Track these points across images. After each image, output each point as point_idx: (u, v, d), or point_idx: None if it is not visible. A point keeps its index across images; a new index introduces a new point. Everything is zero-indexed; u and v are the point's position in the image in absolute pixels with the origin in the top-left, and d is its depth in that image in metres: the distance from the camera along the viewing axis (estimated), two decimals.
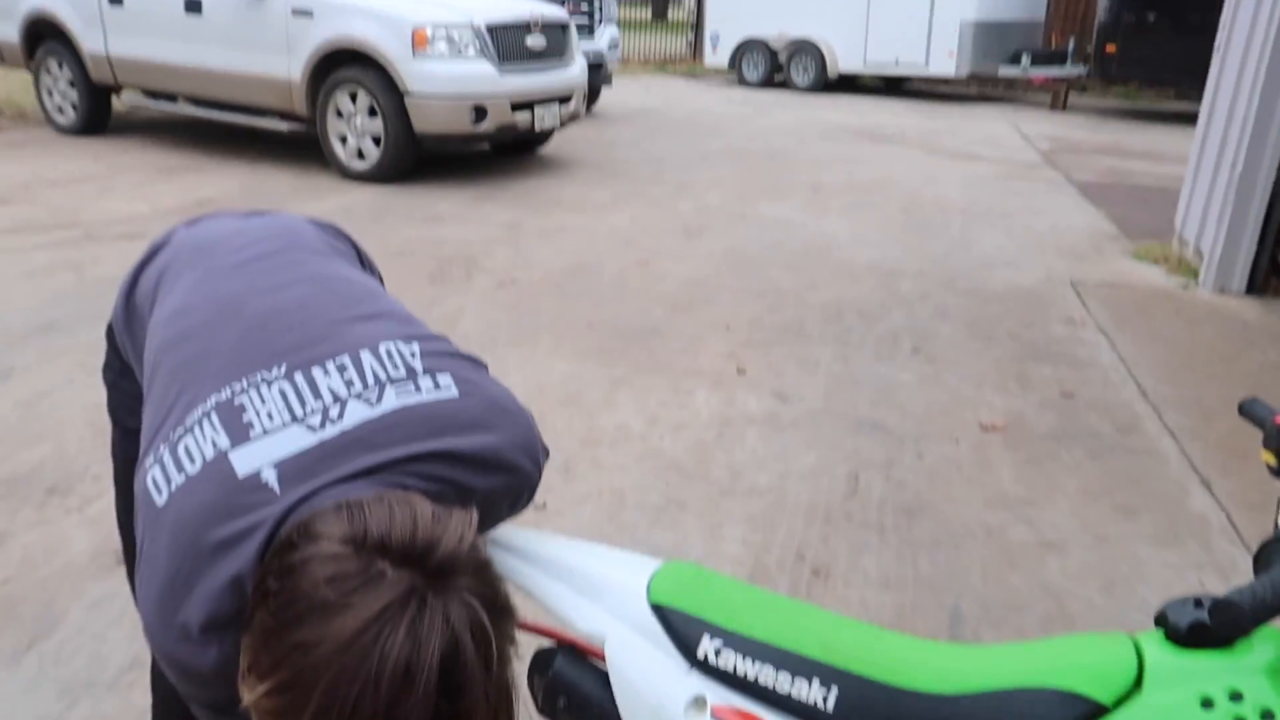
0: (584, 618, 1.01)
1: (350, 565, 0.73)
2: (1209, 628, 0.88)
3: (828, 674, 0.94)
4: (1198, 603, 0.90)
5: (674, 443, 2.96)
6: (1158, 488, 2.79)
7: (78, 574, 2.27)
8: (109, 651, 2.04)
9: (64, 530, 2.43)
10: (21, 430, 2.92)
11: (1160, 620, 0.91)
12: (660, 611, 0.99)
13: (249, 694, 0.74)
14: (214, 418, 0.90)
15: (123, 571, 2.23)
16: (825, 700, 0.94)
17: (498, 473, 0.97)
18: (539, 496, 2.55)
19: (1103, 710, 0.88)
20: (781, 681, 0.95)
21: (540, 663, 1.07)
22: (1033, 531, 2.54)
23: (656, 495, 2.66)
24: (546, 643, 1.08)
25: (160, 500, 0.87)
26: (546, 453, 1.05)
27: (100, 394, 1.33)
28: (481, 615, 0.74)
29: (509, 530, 1.06)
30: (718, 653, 0.97)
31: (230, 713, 0.83)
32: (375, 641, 0.69)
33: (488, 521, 0.98)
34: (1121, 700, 0.88)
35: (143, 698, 1.36)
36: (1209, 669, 0.87)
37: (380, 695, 0.69)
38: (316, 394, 0.93)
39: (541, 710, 1.06)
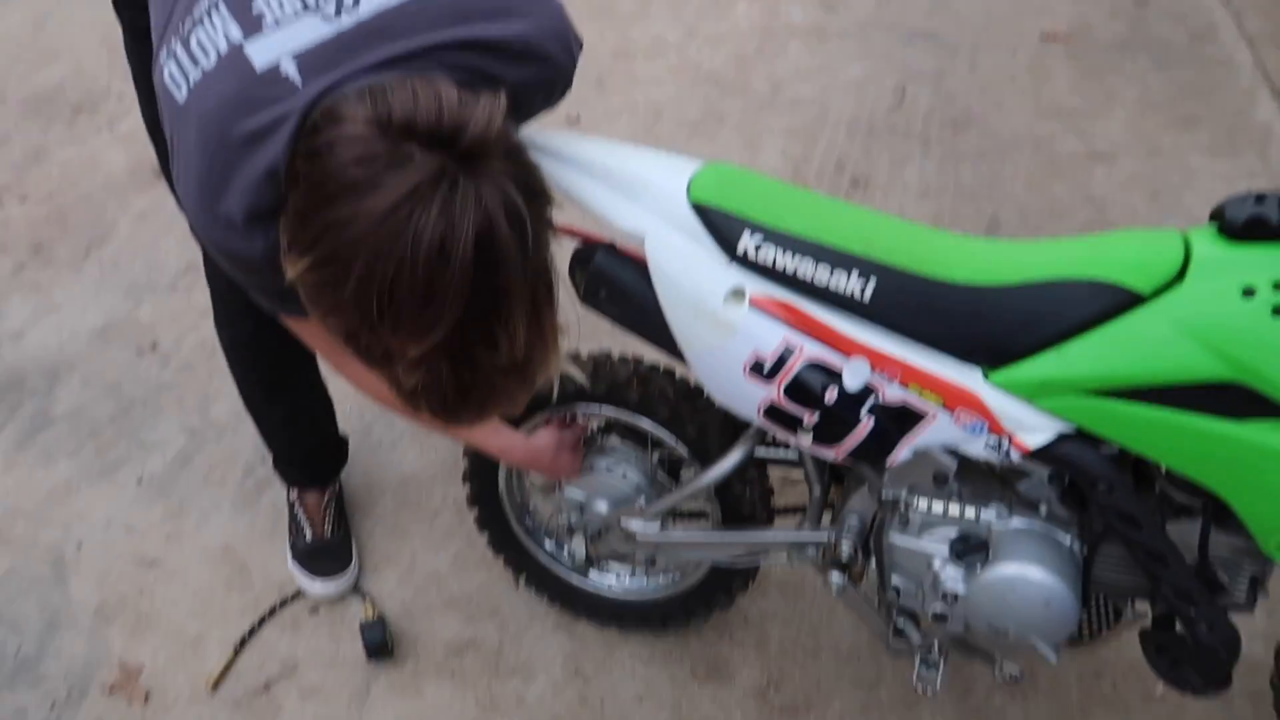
0: (623, 217, 1.00)
1: (377, 146, 0.71)
2: (1267, 221, 0.85)
3: (866, 267, 0.94)
4: (1259, 198, 0.86)
5: (712, 55, 2.80)
6: (1224, 98, 2.64)
7: (119, 189, 2.30)
8: (163, 258, 2.12)
9: (97, 148, 2.43)
10: (35, 49, 2.82)
11: (1216, 215, 0.88)
12: (700, 209, 0.97)
13: (292, 270, 0.75)
14: (221, 8, 0.84)
15: (163, 186, 2.25)
16: (863, 291, 0.95)
17: (528, 62, 0.91)
18: (572, 109, 2.47)
19: (1139, 299, 0.87)
20: (820, 274, 0.95)
21: (581, 257, 1.08)
22: (1083, 142, 2.46)
23: (694, 108, 2.57)
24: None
25: (181, 96, 0.84)
26: (580, 43, 0.97)
27: (106, 11, 1.25)
28: (515, 196, 0.73)
29: (544, 132, 1.02)
30: (758, 248, 0.96)
31: (287, 299, 0.86)
32: (408, 219, 0.69)
33: (521, 115, 0.94)
34: (1161, 290, 0.87)
35: (203, 297, 1.42)
36: (1259, 261, 0.85)
37: (417, 271, 0.69)
38: None
39: (584, 300, 1.08)
